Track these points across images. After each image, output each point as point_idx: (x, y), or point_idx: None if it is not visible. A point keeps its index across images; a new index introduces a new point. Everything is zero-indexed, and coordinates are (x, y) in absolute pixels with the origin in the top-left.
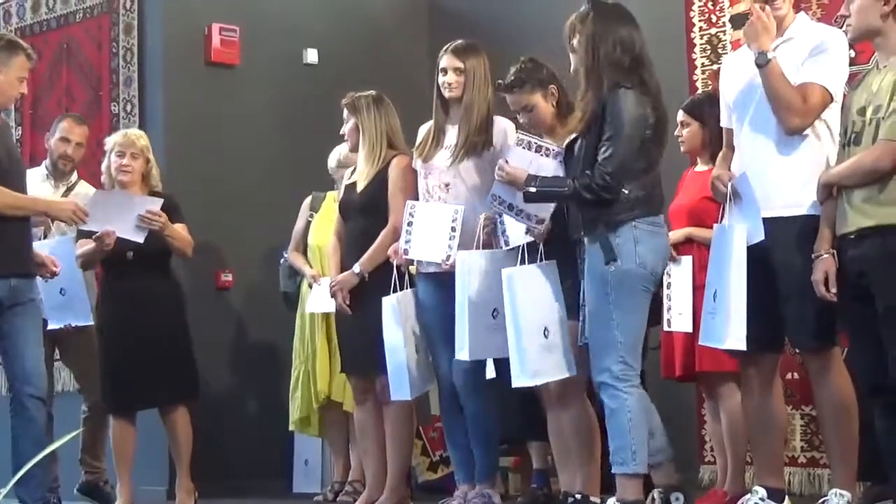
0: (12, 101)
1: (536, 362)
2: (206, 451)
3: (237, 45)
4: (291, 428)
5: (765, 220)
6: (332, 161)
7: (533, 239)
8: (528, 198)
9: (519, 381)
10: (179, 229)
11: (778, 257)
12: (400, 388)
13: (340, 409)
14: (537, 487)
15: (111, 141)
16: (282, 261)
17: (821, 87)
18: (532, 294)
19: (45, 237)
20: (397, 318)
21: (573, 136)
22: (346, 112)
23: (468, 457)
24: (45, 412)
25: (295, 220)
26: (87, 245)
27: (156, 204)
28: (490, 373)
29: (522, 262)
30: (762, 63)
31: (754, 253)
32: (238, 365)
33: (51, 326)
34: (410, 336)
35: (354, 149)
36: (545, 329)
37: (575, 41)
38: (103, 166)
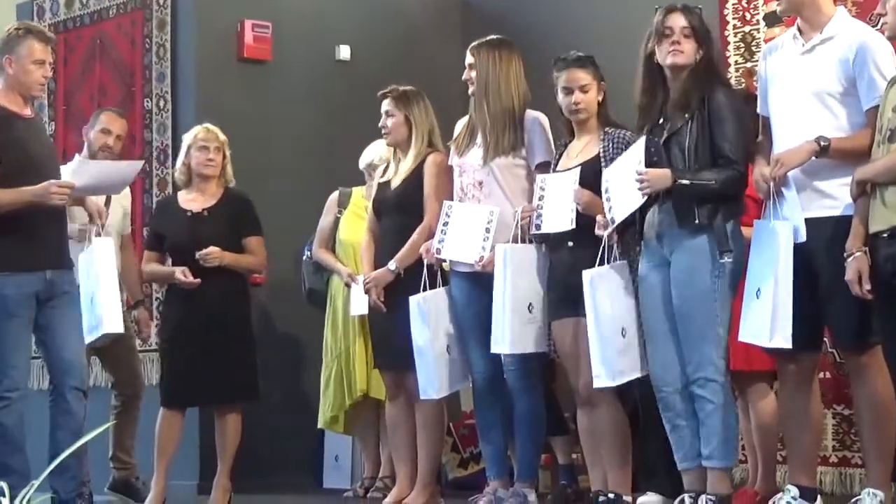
0: (35, 88)
1: (619, 363)
2: (238, 448)
3: (269, 42)
4: (321, 426)
5: (808, 220)
6: (367, 158)
7: (565, 229)
8: (680, 191)
9: (600, 382)
10: (254, 243)
11: (819, 256)
12: (427, 388)
13: (371, 405)
14: (566, 484)
15: (190, 136)
16: (304, 257)
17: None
18: (610, 294)
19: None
20: (424, 317)
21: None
22: (388, 105)
23: (501, 453)
24: (83, 404)
25: None
26: (159, 268)
27: (136, 167)
28: None
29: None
30: (826, 151)
31: (795, 251)
32: (269, 362)
33: (87, 341)
34: (441, 335)
35: (396, 143)
36: (623, 329)
37: (693, 37)
38: (178, 163)
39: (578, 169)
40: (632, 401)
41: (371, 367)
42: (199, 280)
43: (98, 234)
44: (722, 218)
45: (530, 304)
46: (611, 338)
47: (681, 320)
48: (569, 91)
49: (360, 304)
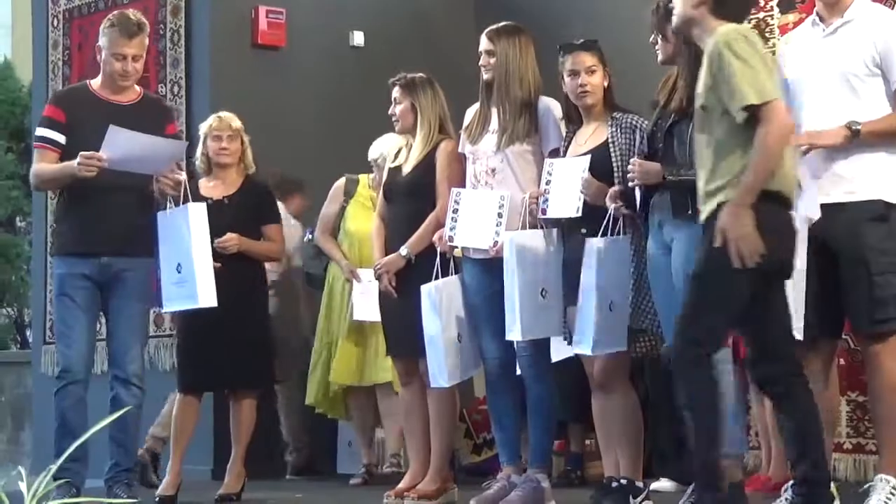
0: (118, 78)
1: (597, 334)
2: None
3: (283, 28)
4: (309, 403)
5: (828, 205)
6: (374, 152)
7: (570, 215)
8: (669, 185)
9: (578, 348)
10: (272, 231)
11: (838, 241)
12: (437, 376)
13: (365, 392)
14: (570, 470)
15: (205, 125)
16: (306, 239)
17: None
18: (606, 267)
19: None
20: (435, 306)
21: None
22: (396, 92)
23: (514, 439)
24: (130, 393)
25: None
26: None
27: (179, 148)
28: (557, 354)
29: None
30: (857, 135)
31: (813, 236)
32: (284, 347)
33: (165, 310)
34: (452, 323)
35: (405, 130)
36: (610, 303)
37: (669, 30)
38: (198, 152)
39: (588, 157)
40: (643, 387)
41: (352, 356)
42: (219, 264)
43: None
44: (715, 209)
45: (543, 289)
46: (595, 310)
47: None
48: (575, 73)
49: (363, 310)
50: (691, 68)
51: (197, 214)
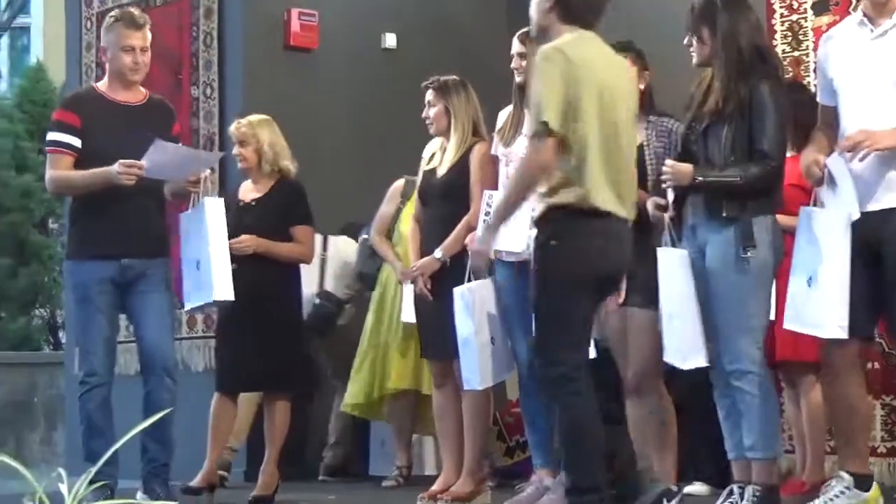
0: (127, 73)
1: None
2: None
3: (316, 30)
4: (343, 409)
5: (875, 210)
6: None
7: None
8: (696, 187)
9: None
10: (299, 233)
11: (887, 245)
12: (471, 379)
13: (408, 395)
14: None
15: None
16: (362, 238)
17: None
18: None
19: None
20: (468, 308)
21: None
22: (430, 95)
23: (547, 441)
24: (167, 389)
25: (372, 203)
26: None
27: (214, 158)
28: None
29: None
30: None
31: (857, 237)
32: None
33: (186, 308)
34: (485, 326)
35: (439, 133)
36: (670, 315)
37: (705, 32)
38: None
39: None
40: (678, 388)
41: (408, 360)
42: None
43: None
44: (749, 212)
45: None
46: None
47: (715, 313)
48: None
49: (412, 312)
50: (728, 69)
51: (213, 209)
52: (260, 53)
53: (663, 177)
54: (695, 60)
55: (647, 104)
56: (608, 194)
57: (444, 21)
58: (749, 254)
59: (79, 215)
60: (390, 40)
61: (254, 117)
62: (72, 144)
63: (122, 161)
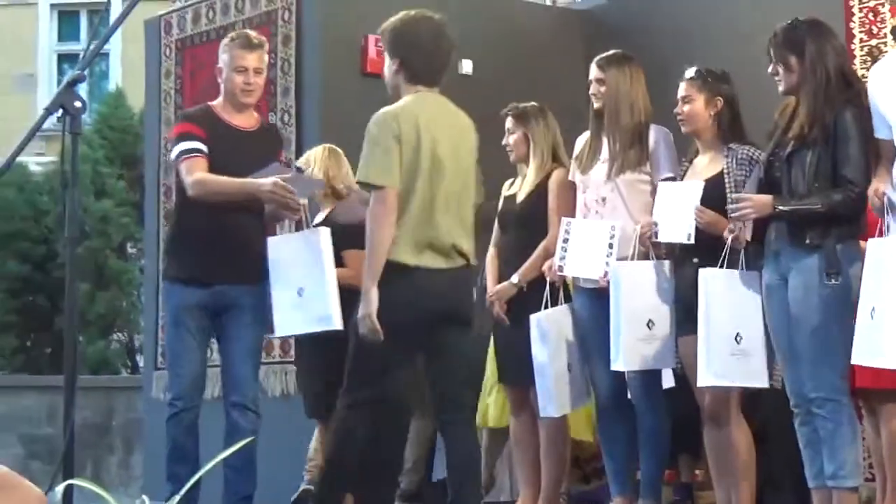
0: (238, 94)
1: (722, 365)
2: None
3: None
4: (492, 425)
5: None
6: None
7: (682, 241)
8: (778, 216)
9: (703, 380)
10: (347, 257)
11: None
12: (548, 406)
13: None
14: (679, 500)
15: None
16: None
17: None
18: (727, 298)
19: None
20: (544, 335)
21: (774, 148)
22: (509, 123)
23: (625, 469)
24: (248, 420)
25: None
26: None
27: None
28: (667, 382)
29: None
30: None
31: None
32: None
33: (277, 335)
34: (561, 353)
35: (519, 160)
36: (737, 335)
37: (792, 59)
38: None
39: (702, 184)
40: (760, 416)
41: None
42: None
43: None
44: (833, 239)
45: (650, 320)
46: (718, 339)
47: (798, 340)
48: (677, 102)
49: None
50: (816, 95)
51: (326, 239)
52: (337, 80)
53: (741, 208)
54: (781, 88)
55: (726, 132)
56: (417, 250)
57: (521, 47)
58: (832, 281)
59: (178, 236)
60: (467, 66)
61: (317, 148)
62: (203, 150)
63: (278, 183)
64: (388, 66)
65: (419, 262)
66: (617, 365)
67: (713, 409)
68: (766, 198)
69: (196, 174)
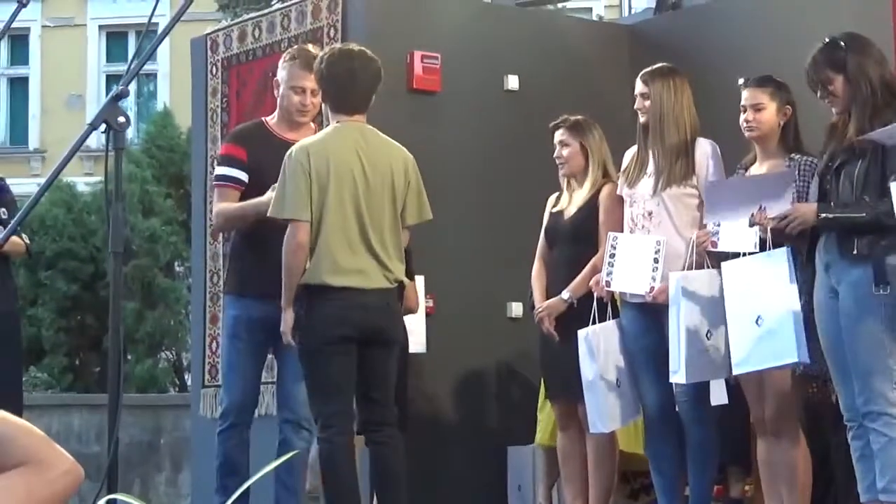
0: (294, 113)
1: (746, 351)
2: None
3: (438, 72)
4: (542, 443)
5: None
6: None
7: (748, 250)
8: (823, 225)
9: (737, 369)
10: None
11: None
12: (597, 422)
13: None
14: None
15: None
16: None
17: None
18: (744, 284)
19: None
20: (591, 351)
21: (828, 159)
22: (563, 135)
23: (674, 485)
24: (300, 438)
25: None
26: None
27: None
28: (717, 399)
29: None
30: None
31: None
32: (441, 391)
33: None
34: (610, 368)
35: (573, 173)
36: (758, 318)
37: (835, 77)
38: None
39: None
40: (824, 434)
41: None
42: None
43: None
44: (882, 249)
45: (708, 331)
46: (741, 326)
47: (849, 353)
48: (743, 109)
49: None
50: (863, 108)
51: None
52: (383, 96)
53: (788, 223)
54: (836, 110)
55: (790, 141)
56: (341, 272)
57: (567, 62)
58: (882, 291)
59: (239, 250)
60: (513, 82)
61: None
62: (238, 178)
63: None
64: (320, 96)
65: (345, 283)
66: (677, 377)
67: (773, 421)
68: (811, 206)
69: (219, 205)
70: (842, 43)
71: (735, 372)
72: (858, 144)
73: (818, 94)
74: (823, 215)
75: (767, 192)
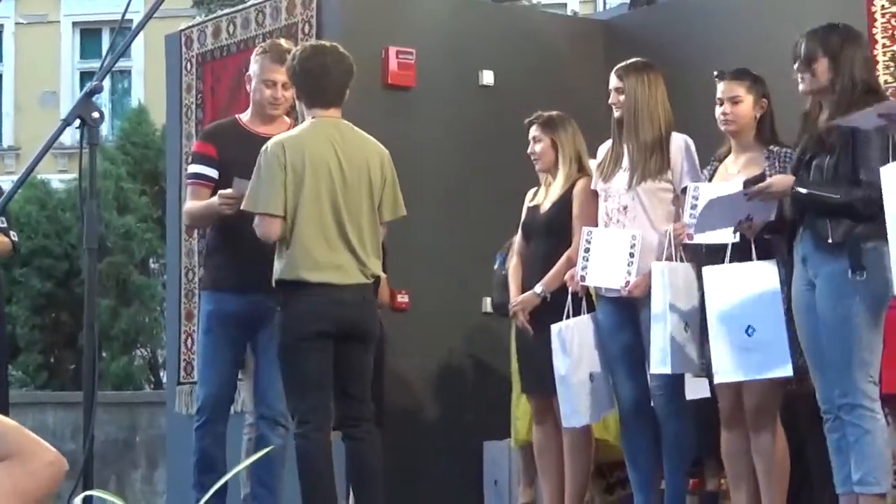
0: (266, 106)
1: (732, 360)
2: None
3: (413, 68)
4: (522, 440)
5: None
6: None
7: (725, 241)
8: (797, 198)
9: (722, 377)
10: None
11: None
12: (570, 416)
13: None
14: None
15: None
16: (496, 266)
17: None
18: (733, 293)
19: None
20: (564, 345)
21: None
22: (536, 131)
23: (650, 479)
24: (275, 435)
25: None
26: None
27: None
28: (697, 392)
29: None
30: None
31: None
32: (417, 386)
33: None
34: (583, 363)
35: (546, 168)
36: (748, 328)
37: (823, 62)
38: None
39: (741, 182)
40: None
41: None
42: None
43: None
44: (858, 237)
45: (686, 323)
46: (726, 335)
47: (826, 345)
48: (720, 102)
49: None
50: (840, 101)
51: None
52: (358, 92)
53: (764, 191)
54: (803, 88)
55: (766, 134)
56: (317, 268)
57: (542, 57)
58: (858, 277)
59: (214, 245)
60: (488, 77)
61: None
62: (209, 176)
63: (220, 192)
64: (294, 92)
65: (322, 279)
66: (662, 368)
67: (756, 412)
68: (788, 177)
69: (187, 204)
70: (841, 31)
71: (718, 380)
72: (829, 130)
73: (795, 68)
74: (797, 189)
75: (756, 203)
